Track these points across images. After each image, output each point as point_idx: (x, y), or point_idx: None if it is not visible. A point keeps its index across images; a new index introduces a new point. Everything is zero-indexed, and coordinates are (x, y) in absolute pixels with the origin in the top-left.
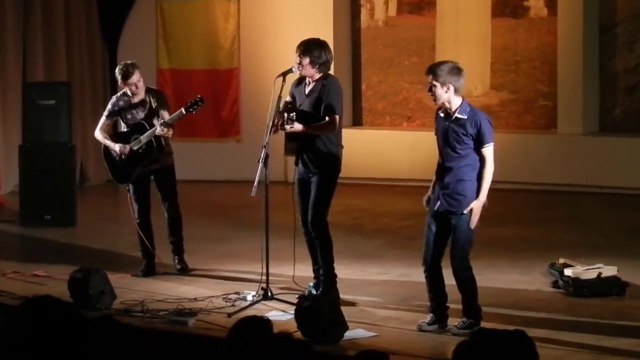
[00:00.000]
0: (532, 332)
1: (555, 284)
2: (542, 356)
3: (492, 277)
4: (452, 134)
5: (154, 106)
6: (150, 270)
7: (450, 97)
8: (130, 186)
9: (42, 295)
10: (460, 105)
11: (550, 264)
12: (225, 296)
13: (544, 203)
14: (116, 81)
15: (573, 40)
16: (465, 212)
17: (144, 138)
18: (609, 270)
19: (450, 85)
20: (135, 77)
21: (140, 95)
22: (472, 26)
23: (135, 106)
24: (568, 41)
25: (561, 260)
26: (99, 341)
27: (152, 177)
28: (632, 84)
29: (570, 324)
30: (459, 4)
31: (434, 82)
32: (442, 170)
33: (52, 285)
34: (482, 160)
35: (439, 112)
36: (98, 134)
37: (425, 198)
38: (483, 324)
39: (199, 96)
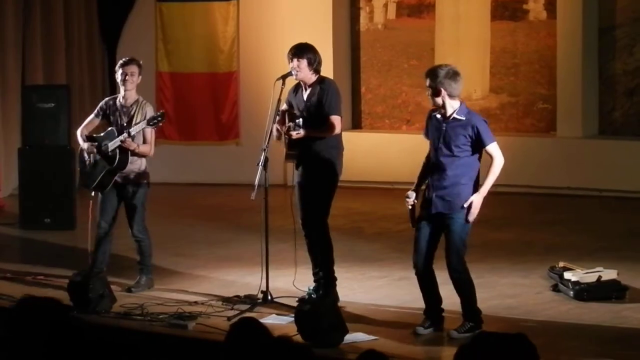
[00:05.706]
0: (533, 336)
1: (555, 288)
2: None
3: (492, 280)
4: (450, 135)
5: (135, 115)
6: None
7: (445, 101)
8: (100, 195)
9: (39, 296)
10: (459, 107)
11: (550, 267)
12: (225, 300)
13: (543, 206)
14: (115, 84)
15: (572, 43)
16: (465, 205)
17: (110, 145)
18: (608, 274)
19: (443, 89)
20: (132, 69)
21: (130, 99)
22: (471, 29)
23: (121, 110)
24: (567, 44)
25: (561, 264)
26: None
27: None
28: (631, 86)
29: (571, 328)
30: (458, 7)
31: (429, 86)
32: (437, 171)
33: (52, 289)
34: (491, 157)
35: (434, 113)
36: (78, 131)
37: (410, 194)
38: (483, 328)
39: (162, 111)
